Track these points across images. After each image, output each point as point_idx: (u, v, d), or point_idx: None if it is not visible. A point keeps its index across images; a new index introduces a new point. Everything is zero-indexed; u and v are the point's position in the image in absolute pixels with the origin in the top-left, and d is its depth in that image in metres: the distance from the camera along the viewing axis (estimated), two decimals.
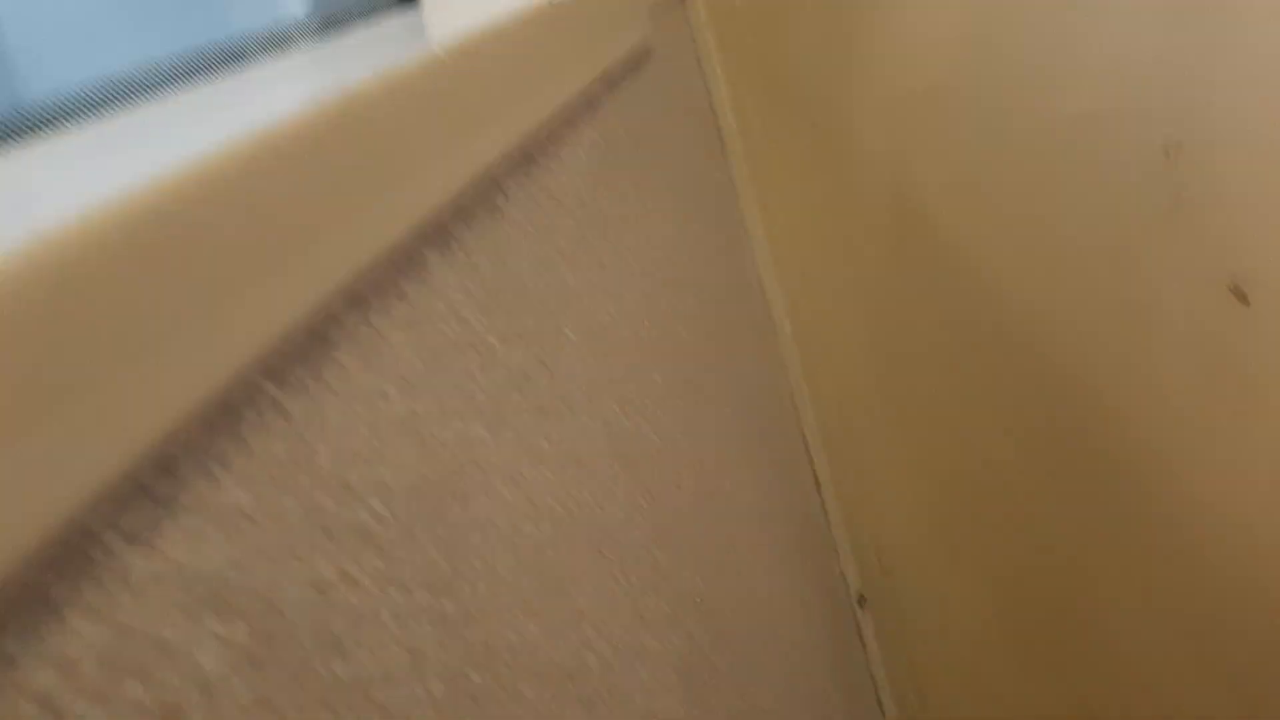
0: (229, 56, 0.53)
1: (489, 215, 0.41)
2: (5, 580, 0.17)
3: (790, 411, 0.94)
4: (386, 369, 0.31)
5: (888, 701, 1.07)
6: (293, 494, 0.26)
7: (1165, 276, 0.89)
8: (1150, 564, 0.97)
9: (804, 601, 0.83)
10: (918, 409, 0.98)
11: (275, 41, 0.56)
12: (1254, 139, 0.83)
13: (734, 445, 0.72)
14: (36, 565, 0.18)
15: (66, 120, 0.43)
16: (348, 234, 0.30)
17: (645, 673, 0.45)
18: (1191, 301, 0.89)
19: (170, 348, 0.22)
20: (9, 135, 0.41)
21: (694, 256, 0.72)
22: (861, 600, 1.05)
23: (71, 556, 0.19)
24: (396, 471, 0.30)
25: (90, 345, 0.19)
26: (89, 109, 0.44)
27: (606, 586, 0.44)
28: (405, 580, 0.30)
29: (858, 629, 1.02)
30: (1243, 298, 0.88)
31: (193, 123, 0.38)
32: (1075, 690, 1.01)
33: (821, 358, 0.97)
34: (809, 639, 0.81)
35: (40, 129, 0.42)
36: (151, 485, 0.21)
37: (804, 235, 0.93)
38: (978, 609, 1.04)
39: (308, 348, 0.28)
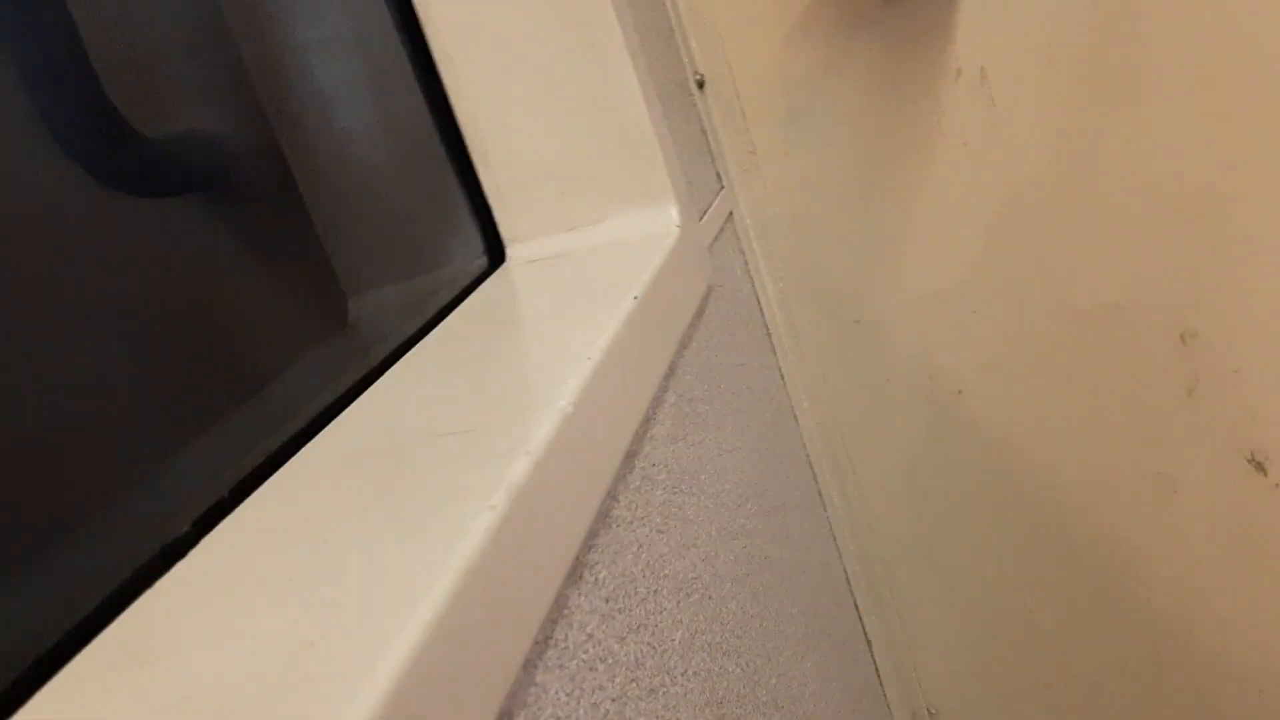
0: None
1: (606, 529, 0.48)
2: None
3: (842, 581, 1.00)
4: (545, 717, 0.39)
5: None
6: None
7: (1188, 450, 0.95)
8: (1183, 713, 1.02)
9: None
10: (958, 571, 1.04)
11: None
12: (1262, 324, 0.90)
13: (798, 632, 0.79)
14: None
15: None
16: (521, 614, 0.37)
17: None
18: (1213, 473, 0.95)
19: None
20: None
21: (757, 463, 0.80)
22: None
23: None
24: None
25: None
26: None
27: None
28: None
29: None
30: (1261, 469, 0.95)
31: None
32: None
33: (867, 529, 1.04)
34: None
35: None
36: None
37: (846, 417, 1.01)
38: None
39: None
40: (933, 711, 1.10)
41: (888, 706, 1.05)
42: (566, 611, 0.42)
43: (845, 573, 1.02)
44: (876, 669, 1.04)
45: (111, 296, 0.47)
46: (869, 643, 1.03)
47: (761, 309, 0.95)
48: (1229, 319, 0.91)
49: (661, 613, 0.53)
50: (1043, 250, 0.92)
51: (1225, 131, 0.83)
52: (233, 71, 0.64)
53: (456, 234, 0.73)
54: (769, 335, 0.95)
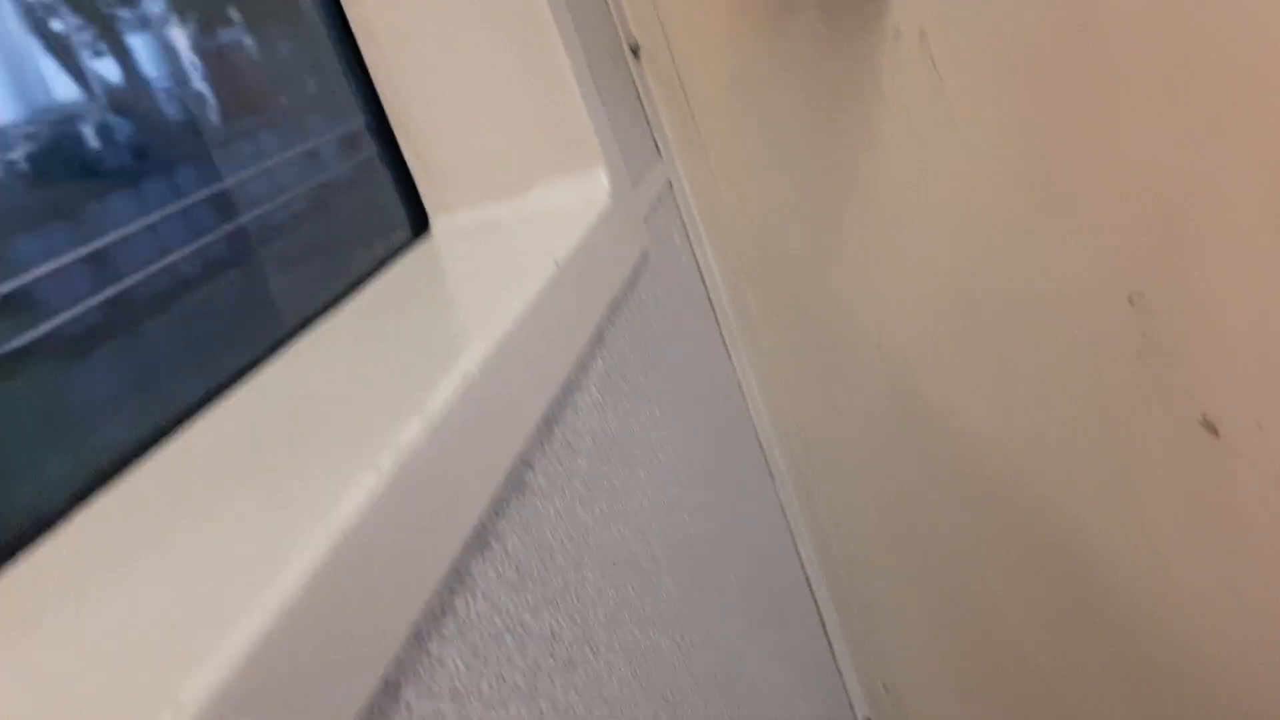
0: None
1: (518, 496, 0.46)
2: None
3: (793, 556, 0.99)
4: (440, 688, 0.37)
5: None
6: None
7: (1139, 414, 0.94)
8: (1137, 688, 1.01)
9: None
10: (912, 546, 1.03)
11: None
12: (1210, 287, 0.89)
13: (746, 614, 0.77)
14: None
15: None
16: (410, 581, 0.35)
17: None
18: (1165, 436, 0.94)
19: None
20: None
21: (698, 439, 0.78)
22: None
23: None
24: None
25: None
26: None
27: None
28: None
29: None
30: (1213, 430, 0.94)
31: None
32: None
33: (824, 512, 1.02)
34: None
35: None
36: None
37: (800, 399, 0.99)
38: None
39: (381, 699, 0.33)
40: (889, 687, 1.09)
41: (842, 682, 1.04)
42: (468, 580, 0.40)
43: (797, 548, 1.00)
44: (830, 645, 1.03)
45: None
46: (822, 617, 1.02)
47: (704, 280, 0.93)
48: (1177, 281, 0.90)
49: (583, 585, 0.51)
50: (989, 218, 0.91)
51: (1176, 99, 0.82)
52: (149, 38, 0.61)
53: (378, 205, 0.71)
54: (712, 307, 0.93)
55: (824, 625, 1.02)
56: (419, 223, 0.72)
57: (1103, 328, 0.92)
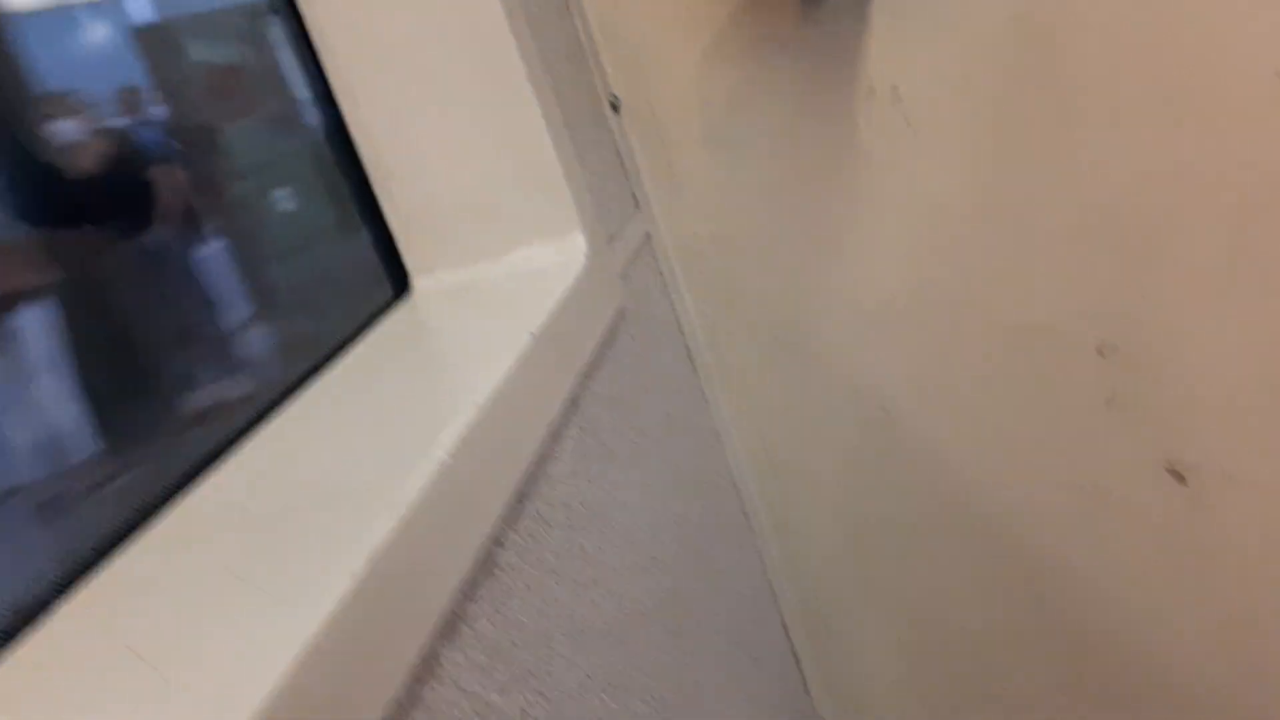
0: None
1: (488, 577, 0.48)
2: None
3: (768, 599, 1.00)
4: None
5: None
6: None
7: (1108, 461, 0.96)
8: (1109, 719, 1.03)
9: None
10: (887, 587, 1.04)
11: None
12: (1176, 338, 0.91)
13: (722, 666, 0.79)
14: None
15: None
16: (378, 676, 0.37)
17: None
18: (1135, 483, 0.96)
19: None
20: None
21: (673, 492, 0.79)
22: None
23: None
24: None
25: None
26: None
27: None
28: None
29: None
30: (1180, 478, 0.96)
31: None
32: None
33: (797, 545, 1.04)
34: None
35: None
36: None
37: (776, 439, 1.00)
38: None
39: None
40: None
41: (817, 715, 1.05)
42: (437, 669, 0.41)
43: (772, 590, 1.01)
44: (805, 685, 1.04)
45: None
46: (797, 659, 1.03)
47: (682, 330, 0.95)
48: (1144, 332, 0.91)
49: (553, 658, 0.52)
50: (961, 267, 0.93)
51: (1141, 148, 0.83)
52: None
53: (361, 267, 0.72)
54: (690, 356, 0.95)
55: (799, 666, 1.04)
56: (400, 283, 0.73)
57: (1073, 376, 0.94)
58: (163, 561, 0.42)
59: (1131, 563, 0.98)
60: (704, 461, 0.91)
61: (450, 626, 0.43)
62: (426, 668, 0.41)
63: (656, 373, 0.84)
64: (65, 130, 0.55)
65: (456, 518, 0.44)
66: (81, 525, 0.45)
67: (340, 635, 0.35)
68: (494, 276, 0.72)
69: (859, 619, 1.06)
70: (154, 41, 0.61)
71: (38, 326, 0.49)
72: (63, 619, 0.40)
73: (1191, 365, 0.91)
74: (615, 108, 0.90)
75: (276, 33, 0.71)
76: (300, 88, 0.71)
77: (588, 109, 0.84)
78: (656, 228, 0.93)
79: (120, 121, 0.59)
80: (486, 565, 0.48)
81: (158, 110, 0.62)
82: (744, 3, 0.88)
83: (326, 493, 0.44)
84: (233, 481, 0.49)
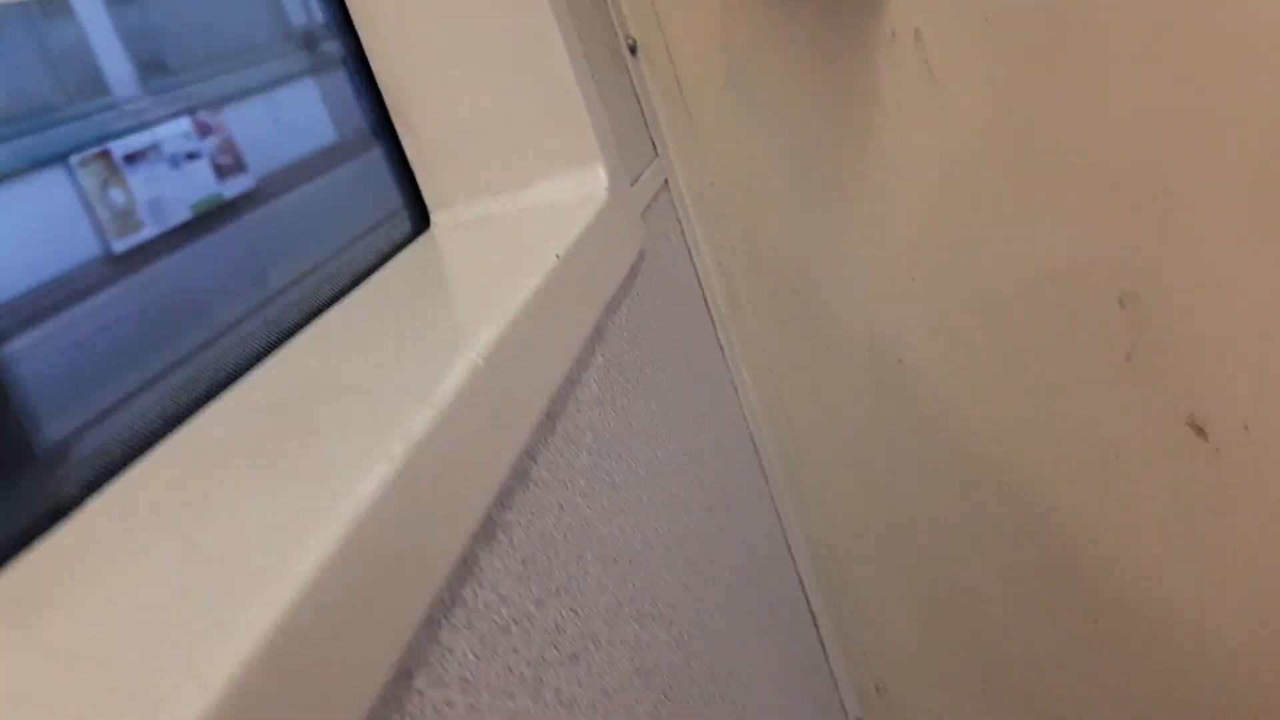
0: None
1: (523, 488, 0.47)
2: None
3: (785, 554, 0.99)
4: (450, 677, 0.37)
5: None
6: None
7: (1128, 415, 0.95)
8: (1127, 685, 1.02)
9: None
10: (903, 544, 1.03)
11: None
12: (1200, 288, 0.90)
13: (741, 612, 0.77)
14: None
15: None
16: (421, 570, 0.35)
17: None
18: (1154, 438, 0.95)
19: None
20: None
21: (695, 436, 0.78)
22: None
23: None
24: None
25: None
26: None
27: None
28: None
29: None
30: (1201, 433, 0.95)
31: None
32: None
33: (811, 500, 1.03)
34: None
35: None
36: None
37: (793, 396, 0.99)
38: None
39: (394, 687, 0.33)
40: (880, 687, 1.09)
41: (834, 681, 1.04)
42: (477, 571, 0.40)
43: (789, 546, 1.00)
44: (822, 643, 1.03)
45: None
46: (814, 617, 1.02)
47: (699, 278, 0.94)
48: (1167, 282, 0.91)
49: (585, 578, 0.51)
50: (982, 216, 0.92)
51: (1165, 98, 0.82)
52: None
53: (380, 200, 0.71)
54: (707, 305, 0.94)
55: (816, 624, 1.03)
56: (419, 218, 0.72)
57: (1093, 328, 0.93)
58: (203, 453, 0.41)
59: (1150, 520, 0.97)
60: (721, 411, 0.90)
61: (488, 531, 0.42)
62: (466, 568, 0.40)
63: (675, 317, 0.83)
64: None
65: (491, 422, 0.43)
66: (122, 418, 0.44)
67: (384, 521, 0.33)
68: (515, 209, 0.70)
69: (875, 577, 1.05)
70: None
71: None
72: (110, 498, 0.39)
73: (1213, 317, 0.90)
74: (633, 51, 0.89)
75: None
76: (318, 20, 0.70)
77: (607, 51, 0.82)
78: (674, 175, 0.92)
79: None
80: (521, 476, 0.47)
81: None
82: None
83: (362, 391, 0.42)
84: (262, 385, 0.47)
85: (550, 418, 0.52)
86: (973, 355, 0.96)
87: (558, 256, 0.56)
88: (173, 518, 0.35)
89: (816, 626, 1.02)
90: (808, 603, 1.02)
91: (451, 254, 0.65)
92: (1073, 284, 0.92)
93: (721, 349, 0.94)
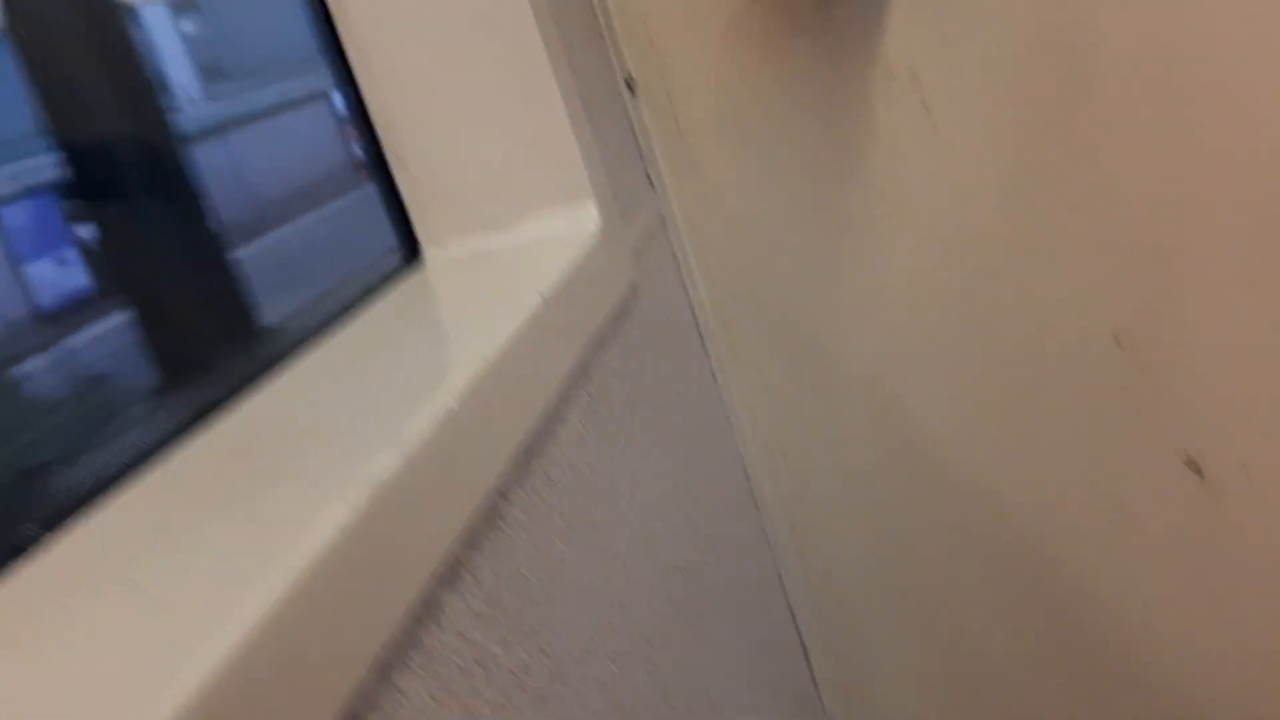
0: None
1: (492, 528, 0.47)
2: None
3: (778, 590, 0.98)
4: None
5: None
6: None
7: (1124, 452, 0.94)
8: None
9: None
10: (899, 583, 1.03)
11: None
12: (1194, 329, 0.89)
13: (728, 650, 0.77)
14: None
15: None
16: (376, 612, 0.36)
17: None
18: (1150, 475, 0.94)
19: None
20: None
21: (683, 472, 0.78)
22: None
23: None
24: None
25: None
26: None
27: None
28: None
29: None
30: (1197, 470, 0.94)
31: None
32: None
33: (810, 543, 1.02)
34: None
35: None
36: None
37: (789, 432, 0.99)
38: None
39: None
40: None
41: (826, 718, 1.03)
42: (437, 613, 0.40)
43: (783, 586, 1.00)
44: (815, 684, 1.02)
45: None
46: (808, 657, 1.02)
47: (695, 315, 0.94)
48: (1162, 322, 0.90)
49: (557, 619, 0.51)
50: (977, 256, 0.92)
51: (1163, 138, 0.82)
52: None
53: (371, 235, 0.72)
54: (703, 341, 0.94)
55: (809, 664, 1.02)
56: (411, 252, 0.73)
57: (1089, 366, 0.92)
58: (165, 496, 0.41)
59: (1148, 557, 0.96)
60: (714, 445, 0.90)
61: (452, 572, 0.42)
62: (426, 609, 0.40)
63: (668, 352, 0.83)
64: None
65: (462, 464, 0.44)
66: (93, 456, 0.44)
67: (338, 565, 0.34)
68: (505, 245, 0.71)
69: (871, 618, 1.04)
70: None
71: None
72: (66, 545, 0.39)
73: (1209, 356, 0.90)
74: (631, 88, 0.89)
75: None
76: (312, 55, 0.71)
77: (603, 88, 0.83)
78: (671, 210, 0.93)
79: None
80: (491, 517, 0.47)
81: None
82: None
83: (331, 434, 0.43)
84: (235, 427, 0.48)
85: (527, 457, 0.52)
86: (968, 394, 0.96)
87: (541, 296, 0.56)
88: (123, 563, 0.35)
89: (810, 666, 1.02)
90: (802, 643, 1.02)
91: (440, 290, 0.66)
92: (1068, 323, 0.92)
93: (716, 383, 0.95)
